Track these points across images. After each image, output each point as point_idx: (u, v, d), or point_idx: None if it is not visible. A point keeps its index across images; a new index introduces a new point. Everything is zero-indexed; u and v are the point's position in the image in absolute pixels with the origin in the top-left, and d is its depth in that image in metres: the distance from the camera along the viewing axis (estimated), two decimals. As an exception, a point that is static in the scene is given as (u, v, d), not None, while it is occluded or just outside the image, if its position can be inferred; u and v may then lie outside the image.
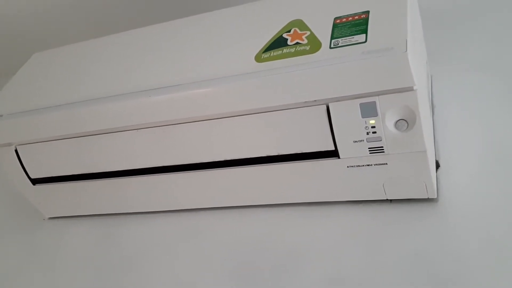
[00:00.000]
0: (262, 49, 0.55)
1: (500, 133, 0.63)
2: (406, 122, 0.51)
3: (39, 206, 0.75)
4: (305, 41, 0.53)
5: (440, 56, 0.77)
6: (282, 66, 0.52)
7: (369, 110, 0.51)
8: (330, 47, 0.51)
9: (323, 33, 0.53)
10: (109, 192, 0.69)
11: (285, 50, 0.54)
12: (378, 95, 0.50)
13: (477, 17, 0.82)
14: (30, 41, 1.10)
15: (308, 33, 0.54)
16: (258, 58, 0.54)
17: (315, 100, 0.52)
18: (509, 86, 0.68)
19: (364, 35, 0.51)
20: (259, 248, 0.61)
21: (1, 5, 1.05)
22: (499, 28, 0.79)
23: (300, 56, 0.52)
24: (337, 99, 0.51)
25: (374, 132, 0.52)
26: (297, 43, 0.54)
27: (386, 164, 0.55)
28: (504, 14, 0.81)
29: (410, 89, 0.49)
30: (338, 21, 0.54)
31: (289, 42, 0.54)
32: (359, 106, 0.51)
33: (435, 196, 0.57)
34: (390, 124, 0.52)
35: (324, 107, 0.52)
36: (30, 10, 1.06)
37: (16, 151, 0.67)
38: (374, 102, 0.50)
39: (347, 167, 0.56)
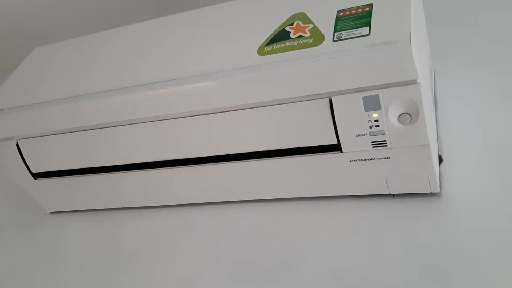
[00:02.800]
0: (264, 42, 0.55)
1: (503, 128, 0.62)
2: (410, 116, 0.51)
3: (40, 200, 0.75)
4: (308, 34, 0.53)
5: (444, 51, 0.76)
6: (285, 59, 0.52)
7: (372, 103, 0.51)
8: (333, 40, 0.51)
9: (326, 26, 0.53)
10: (110, 187, 0.69)
11: (287, 43, 0.53)
12: (381, 88, 0.50)
13: (481, 13, 0.82)
14: (30, 36, 1.10)
15: (311, 26, 0.54)
16: (260, 52, 0.54)
17: (317, 94, 0.52)
18: (512, 81, 0.68)
19: (368, 28, 0.50)
20: (261, 243, 0.61)
21: (2, 1, 1.05)
22: (502, 24, 0.78)
23: (303, 49, 0.52)
24: (340, 93, 0.51)
25: (377, 126, 0.52)
26: (300, 36, 0.53)
27: (389, 158, 0.54)
28: (507, 11, 0.80)
29: (414, 82, 0.49)
30: (341, 14, 0.54)
31: (291, 35, 0.54)
32: (362, 99, 0.51)
33: (438, 191, 0.57)
34: (393, 117, 0.51)
35: (327, 100, 0.52)
36: (31, 6, 1.05)
37: (17, 145, 0.67)
38: (377, 96, 0.50)
39: (350, 161, 0.56)
